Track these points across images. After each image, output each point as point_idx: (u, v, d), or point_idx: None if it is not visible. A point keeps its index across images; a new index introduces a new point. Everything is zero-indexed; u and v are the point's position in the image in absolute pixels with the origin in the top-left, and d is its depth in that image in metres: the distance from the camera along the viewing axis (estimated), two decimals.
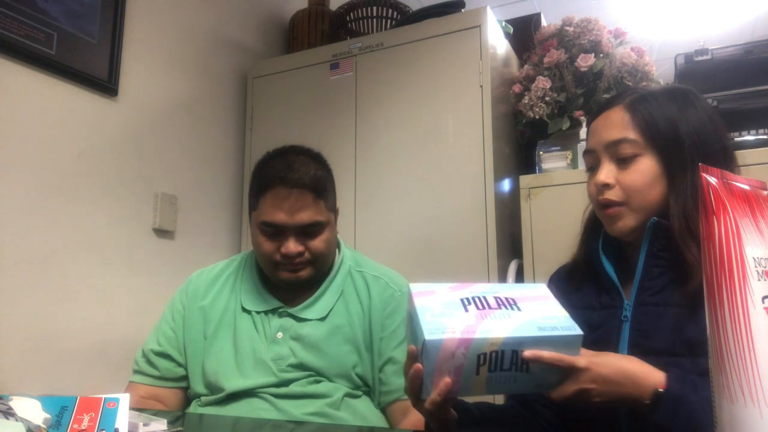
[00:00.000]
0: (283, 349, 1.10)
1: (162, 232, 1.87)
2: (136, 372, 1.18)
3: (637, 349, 0.78)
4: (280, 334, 1.12)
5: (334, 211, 1.17)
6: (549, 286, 0.93)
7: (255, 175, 1.16)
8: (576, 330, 0.68)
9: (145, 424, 0.69)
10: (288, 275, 1.12)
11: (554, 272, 1.02)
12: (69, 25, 1.60)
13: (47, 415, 0.62)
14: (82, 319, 1.59)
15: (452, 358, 0.65)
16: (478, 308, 0.70)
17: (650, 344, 0.78)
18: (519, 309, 0.71)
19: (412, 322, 0.71)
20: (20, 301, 1.45)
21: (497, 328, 0.67)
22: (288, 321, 1.13)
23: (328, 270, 1.19)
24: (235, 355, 1.11)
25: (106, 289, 1.67)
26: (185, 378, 1.17)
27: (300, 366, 1.09)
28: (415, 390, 0.69)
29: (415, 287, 0.75)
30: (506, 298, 0.72)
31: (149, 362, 1.17)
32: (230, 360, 1.11)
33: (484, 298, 0.72)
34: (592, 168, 0.91)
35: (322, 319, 1.13)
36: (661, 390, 0.68)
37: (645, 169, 0.85)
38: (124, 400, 0.65)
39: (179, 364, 1.17)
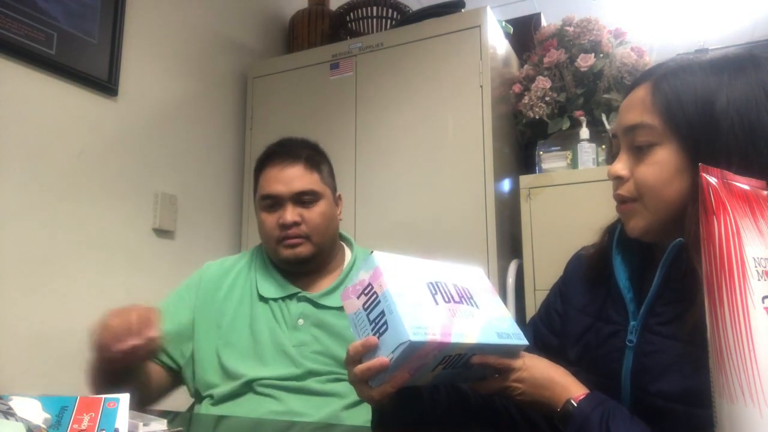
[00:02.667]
0: (306, 336, 1.09)
1: (162, 232, 1.87)
2: None
3: (636, 383, 0.72)
4: (301, 321, 1.10)
5: (331, 188, 1.21)
6: (567, 269, 0.92)
7: (256, 164, 1.22)
8: (523, 340, 0.72)
9: (145, 425, 0.69)
10: (287, 252, 1.12)
11: (575, 255, 0.92)
12: (69, 25, 1.60)
13: (47, 415, 0.62)
14: (82, 319, 1.59)
15: (423, 357, 0.65)
16: (445, 301, 0.70)
17: (648, 383, 0.70)
18: (477, 306, 0.73)
19: (378, 303, 0.66)
20: (20, 301, 1.45)
21: (467, 332, 0.67)
22: (308, 307, 1.12)
23: (341, 259, 1.21)
24: (254, 345, 1.09)
25: (106, 289, 1.67)
26: (172, 371, 1.14)
27: (324, 353, 1.07)
28: (366, 379, 0.67)
29: (381, 259, 0.70)
30: (463, 289, 0.74)
31: None
32: (249, 348, 1.09)
33: (446, 286, 0.72)
34: (615, 156, 0.78)
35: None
36: (571, 405, 0.69)
37: (661, 161, 0.69)
38: (124, 400, 0.65)
39: (171, 358, 1.13)
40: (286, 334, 1.09)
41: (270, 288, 1.15)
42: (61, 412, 0.63)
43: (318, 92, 2.11)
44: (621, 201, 0.75)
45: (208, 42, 2.15)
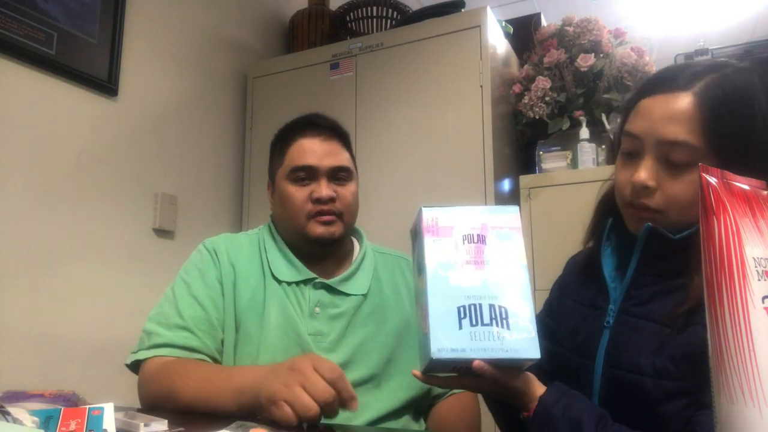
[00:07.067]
0: (323, 326, 1.04)
1: (162, 232, 1.87)
2: (159, 346, 0.98)
3: (609, 360, 0.76)
4: (317, 309, 1.05)
5: (356, 172, 1.17)
6: (566, 267, 0.97)
7: (279, 137, 1.17)
8: (534, 354, 0.67)
9: (145, 425, 0.69)
10: (321, 229, 1.06)
11: (571, 258, 0.97)
12: (69, 25, 1.60)
13: (35, 418, 0.63)
14: (82, 319, 1.59)
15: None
16: (471, 324, 0.68)
17: (620, 357, 0.74)
18: (508, 328, 0.68)
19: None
20: (20, 301, 1.45)
21: (483, 351, 0.67)
22: (324, 295, 1.06)
23: (351, 248, 1.18)
24: (267, 331, 1.01)
25: (106, 289, 1.67)
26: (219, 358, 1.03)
27: (340, 342, 1.03)
28: None
29: (428, 221, 0.74)
30: (500, 309, 0.68)
31: (187, 330, 0.99)
32: (259, 335, 1.01)
33: (480, 308, 0.69)
34: (631, 155, 0.76)
35: (364, 296, 1.09)
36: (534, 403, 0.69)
37: (697, 181, 0.67)
38: (109, 408, 0.66)
39: (217, 341, 1.02)
40: (303, 322, 1.04)
41: (285, 271, 1.08)
42: (46, 421, 0.63)
43: (318, 92, 2.11)
44: (643, 209, 0.74)
45: (208, 42, 2.15)
